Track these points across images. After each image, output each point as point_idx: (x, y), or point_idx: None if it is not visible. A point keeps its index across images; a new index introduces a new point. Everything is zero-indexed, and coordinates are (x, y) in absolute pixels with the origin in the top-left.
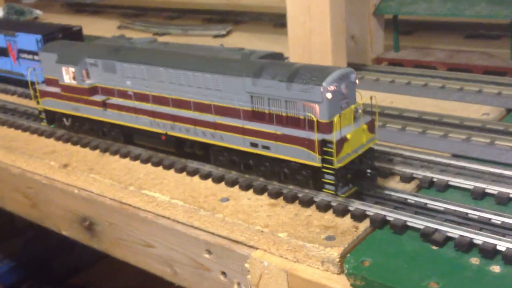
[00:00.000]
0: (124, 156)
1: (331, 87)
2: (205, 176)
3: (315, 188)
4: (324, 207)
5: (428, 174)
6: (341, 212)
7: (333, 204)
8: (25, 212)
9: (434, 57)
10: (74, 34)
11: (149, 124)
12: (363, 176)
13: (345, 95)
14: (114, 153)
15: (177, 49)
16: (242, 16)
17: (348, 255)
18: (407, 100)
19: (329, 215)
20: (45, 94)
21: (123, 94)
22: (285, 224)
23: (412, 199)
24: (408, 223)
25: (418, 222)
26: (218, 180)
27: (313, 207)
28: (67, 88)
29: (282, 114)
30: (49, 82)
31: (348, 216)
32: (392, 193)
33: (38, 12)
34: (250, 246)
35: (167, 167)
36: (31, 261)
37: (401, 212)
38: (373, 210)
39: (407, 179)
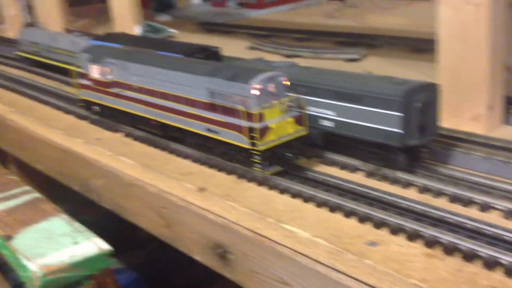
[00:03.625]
0: (260, 184)
1: (257, 86)
2: (348, 214)
3: (249, 167)
4: (491, 264)
5: None
6: None
7: (503, 262)
8: (158, 232)
9: None
10: (213, 55)
11: (145, 112)
12: (285, 158)
13: (273, 93)
14: (251, 180)
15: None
16: (375, 39)
17: None
18: None
19: (499, 274)
20: (82, 86)
21: (130, 87)
22: (447, 280)
23: None
24: None
25: None
26: (363, 219)
27: (478, 262)
28: (95, 81)
29: (227, 106)
30: (85, 76)
31: None
32: None
33: (172, 30)
34: None
35: (306, 200)
36: (152, 273)
37: None
38: None
39: None
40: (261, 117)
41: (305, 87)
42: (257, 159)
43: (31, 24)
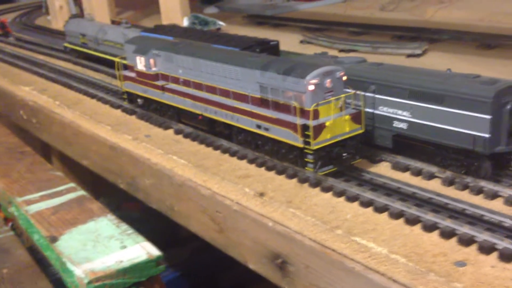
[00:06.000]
0: (326, 190)
1: (313, 81)
2: (429, 228)
3: (301, 167)
4: None
5: None
6: None
7: None
8: (210, 236)
9: None
10: (271, 48)
11: (191, 106)
12: (341, 158)
13: (330, 89)
14: (314, 185)
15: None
16: (438, 34)
17: None
18: None
19: None
20: (126, 78)
21: (176, 80)
22: None
23: None
24: None
25: None
26: (447, 235)
27: None
28: (139, 73)
29: (279, 102)
30: (129, 68)
31: None
32: None
33: (221, 23)
34: None
35: (379, 210)
36: (196, 272)
37: None
38: None
39: None
40: (316, 114)
41: (375, 84)
42: (310, 158)
43: (77, 16)
